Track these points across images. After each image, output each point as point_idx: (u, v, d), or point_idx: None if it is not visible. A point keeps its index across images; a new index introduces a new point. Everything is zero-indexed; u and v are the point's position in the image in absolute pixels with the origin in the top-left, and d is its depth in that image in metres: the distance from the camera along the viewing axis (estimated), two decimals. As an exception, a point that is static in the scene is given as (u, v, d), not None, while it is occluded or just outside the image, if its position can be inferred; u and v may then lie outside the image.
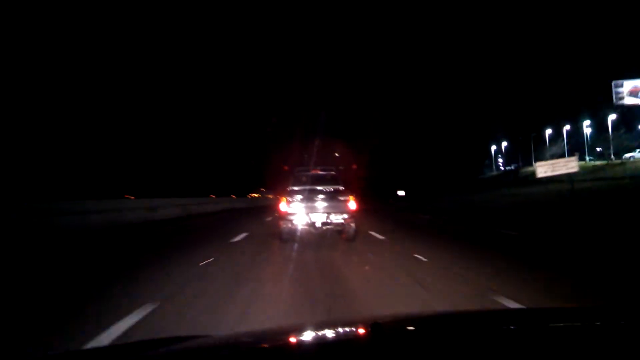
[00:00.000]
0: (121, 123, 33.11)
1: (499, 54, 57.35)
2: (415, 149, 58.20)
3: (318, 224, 6.67)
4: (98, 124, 30.84)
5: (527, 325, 1.11)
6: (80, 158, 27.70)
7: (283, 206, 6.72)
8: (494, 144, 62.61)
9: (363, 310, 3.09)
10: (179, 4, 59.36)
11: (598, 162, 43.00)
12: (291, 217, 6.63)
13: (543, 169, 17.73)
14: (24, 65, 26.36)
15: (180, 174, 36.46)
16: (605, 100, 37.78)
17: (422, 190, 47.19)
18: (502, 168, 63.94)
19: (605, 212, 12.65)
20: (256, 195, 49.66)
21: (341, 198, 6.82)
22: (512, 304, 3.01)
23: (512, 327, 1.10)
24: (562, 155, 34.77)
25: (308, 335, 1.13)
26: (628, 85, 36.58)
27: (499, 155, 63.76)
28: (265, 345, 1.04)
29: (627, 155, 39.58)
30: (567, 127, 47.78)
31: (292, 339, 1.08)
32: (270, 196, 35.89)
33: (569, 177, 17.79)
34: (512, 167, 56.87)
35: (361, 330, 1.11)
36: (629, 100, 36.74)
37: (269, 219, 11.85)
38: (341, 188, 7.29)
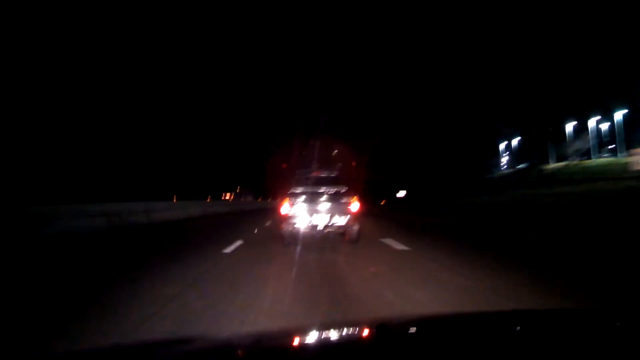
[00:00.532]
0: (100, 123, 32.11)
1: (507, 43, 53.68)
2: (417, 147, 56.64)
3: (320, 227, 6.61)
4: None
5: (531, 327, 1.13)
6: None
7: (285, 208, 6.65)
8: (503, 141, 59.45)
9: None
10: (180, 6, 58.32)
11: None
12: (293, 220, 6.59)
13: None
14: (13, 63, 25.97)
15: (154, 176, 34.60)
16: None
17: (425, 191, 45.34)
18: (503, 166, 60.98)
19: None
20: (229, 196, 44.98)
21: (344, 200, 6.76)
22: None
23: (515, 328, 1.12)
24: (588, 152, 31.90)
25: (313, 336, 1.14)
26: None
27: (505, 154, 60.82)
28: (270, 346, 1.04)
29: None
30: (594, 120, 42.24)
31: (297, 340, 1.09)
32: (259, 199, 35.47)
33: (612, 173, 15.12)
34: (524, 165, 53.30)
35: (367, 332, 1.13)
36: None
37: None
38: (344, 189, 7.16)
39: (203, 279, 4.09)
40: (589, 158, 41.92)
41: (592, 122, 42.45)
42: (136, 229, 10.46)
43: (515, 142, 55.58)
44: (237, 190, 50.01)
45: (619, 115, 39.63)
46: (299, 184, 7.39)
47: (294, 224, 6.61)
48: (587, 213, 12.89)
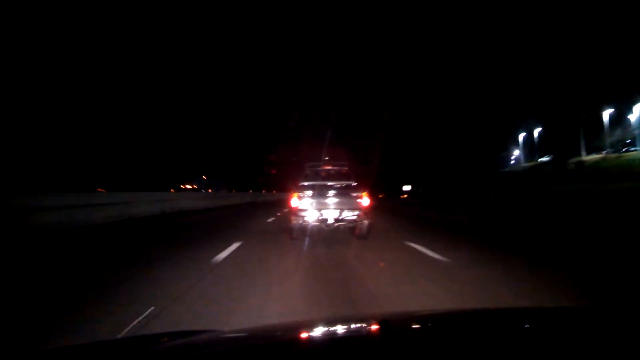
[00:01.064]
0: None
1: (527, 22, 50.10)
2: (424, 138, 54.71)
3: (330, 221, 6.59)
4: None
5: (536, 325, 1.13)
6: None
7: (294, 202, 6.64)
8: (519, 133, 55.96)
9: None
10: (181, 3, 57.41)
11: None
12: (302, 214, 6.56)
13: None
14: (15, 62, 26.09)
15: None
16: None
17: (433, 186, 43.55)
18: (512, 160, 57.95)
19: None
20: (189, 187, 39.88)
21: (354, 194, 6.75)
22: None
23: (521, 326, 1.12)
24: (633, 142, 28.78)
25: (316, 332, 1.14)
26: None
27: (516, 147, 57.68)
28: (273, 341, 1.04)
29: None
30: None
31: (300, 335, 1.10)
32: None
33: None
34: (548, 158, 49.13)
35: (370, 328, 1.14)
36: None
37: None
38: (354, 183, 7.32)
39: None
40: (629, 150, 36.97)
41: (637, 109, 37.40)
42: (103, 227, 9.05)
43: (532, 133, 52.39)
44: (205, 180, 41.45)
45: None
46: (308, 177, 7.35)
47: (304, 217, 6.53)
48: None
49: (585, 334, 0.98)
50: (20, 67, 27.74)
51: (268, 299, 3.18)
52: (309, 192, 6.69)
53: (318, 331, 1.13)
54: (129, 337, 1.48)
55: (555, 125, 45.59)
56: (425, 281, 3.74)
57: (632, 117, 38.22)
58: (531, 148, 53.99)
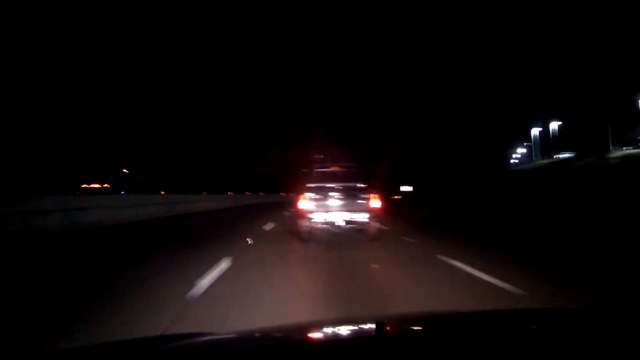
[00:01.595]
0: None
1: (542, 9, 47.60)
2: (424, 136, 52.77)
3: (340, 223, 6.49)
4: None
5: (531, 326, 1.14)
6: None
7: (303, 204, 6.56)
8: (530, 128, 53.71)
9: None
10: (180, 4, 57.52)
11: None
12: (311, 216, 6.46)
13: None
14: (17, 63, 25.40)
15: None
16: None
17: (435, 186, 41.42)
18: (516, 159, 54.87)
19: None
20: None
21: (364, 196, 6.66)
22: None
23: (517, 327, 1.12)
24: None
25: (311, 334, 1.16)
26: None
27: (524, 144, 54.96)
28: (268, 343, 1.05)
29: None
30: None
31: (295, 337, 1.11)
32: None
33: None
34: (570, 154, 44.98)
35: (365, 330, 1.15)
36: None
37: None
38: (363, 185, 7.08)
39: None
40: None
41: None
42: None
43: (547, 128, 49.68)
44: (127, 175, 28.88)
45: None
46: (316, 179, 7.21)
47: (312, 219, 6.46)
48: None
49: (584, 335, 0.99)
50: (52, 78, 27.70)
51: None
52: (318, 194, 6.58)
53: (309, 334, 1.16)
54: (127, 340, 1.27)
55: (576, 119, 42.55)
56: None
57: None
58: (544, 144, 51.49)
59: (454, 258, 4.77)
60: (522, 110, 46.26)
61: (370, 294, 3.37)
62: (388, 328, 0.97)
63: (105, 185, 28.03)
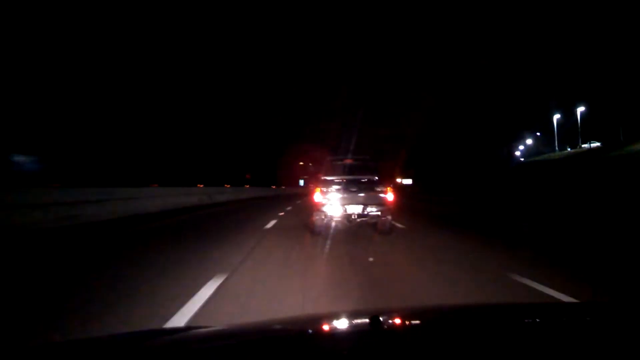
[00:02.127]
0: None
1: None
2: (425, 126, 50.66)
3: (354, 216, 6.53)
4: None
5: (526, 321, 1.14)
6: None
7: (317, 196, 6.60)
8: (556, 114, 48.95)
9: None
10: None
11: None
12: (325, 209, 6.51)
13: None
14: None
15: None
16: None
17: (436, 180, 39.10)
18: (517, 153, 51.67)
19: None
20: None
21: (378, 189, 6.73)
22: None
23: (512, 322, 1.12)
24: None
25: (307, 328, 1.16)
26: None
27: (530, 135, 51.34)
28: (262, 337, 1.06)
29: None
30: None
31: (290, 331, 1.12)
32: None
33: None
34: (591, 145, 41.26)
35: (360, 323, 1.14)
36: None
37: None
38: (377, 178, 7.26)
39: None
40: None
41: None
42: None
43: (582, 112, 44.74)
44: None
45: None
46: (329, 171, 7.36)
47: (327, 212, 6.49)
48: None
49: (576, 329, 0.99)
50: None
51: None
52: (333, 187, 6.65)
53: (306, 327, 1.16)
54: (123, 333, 1.25)
55: (606, 103, 37.99)
56: None
57: None
58: (560, 133, 47.74)
59: (537, 280, 3.46)
60: (535, 95, 42.73)
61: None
62: (383, 322, 0.99)
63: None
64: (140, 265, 4.24)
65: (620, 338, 0.87)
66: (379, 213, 6.47)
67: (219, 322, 2.32)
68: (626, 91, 35.00)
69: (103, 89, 33.85)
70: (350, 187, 6.65)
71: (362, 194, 6.55)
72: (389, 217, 6.60)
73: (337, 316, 1.37)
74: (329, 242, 5.81)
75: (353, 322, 1.18)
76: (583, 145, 42.75)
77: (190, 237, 6.56)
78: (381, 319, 0.97)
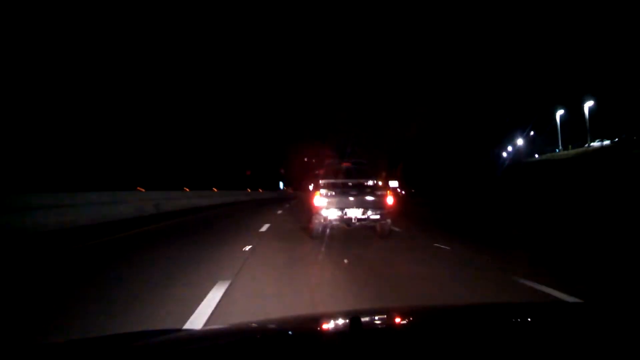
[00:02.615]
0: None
1: None
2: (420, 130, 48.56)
3: (354, 220, 6.52)
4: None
5: (509, 321, 1.14)
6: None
7: (317, 200, 6.54)
8: (560, 110, 45.08)
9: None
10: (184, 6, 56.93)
11: None
12: (325, 212, 6.46)
13: None
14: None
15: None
16: None
17: (428, 185, 36.72)
18: (507, 152, 49.47)
19: None
20: None
21: (378, 192, 6.76)
22: None
23: (495, 323, 1.12)
24: None
25: (285, 329, 1.16)
26: None
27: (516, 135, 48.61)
28: (239, 338, 1.06)
29: None
30: None
31: (269, 333, 1.11)
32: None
33: None
34: (602, 142, 37.03)
35: (340, 325, 1.14)
36: None
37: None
38: (377, 182, 7.30)
39: None
40: None
41: None
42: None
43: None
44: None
45: None
46: (328, 175, 7.34)
47: (326, 216, 6.47)
48: None
49: (564, 329, 1.00)
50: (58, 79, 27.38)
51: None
52: (333, 191, 6.68)
53: (291, 329, 1.16)
54: (111, 335, 1.27)
55: (617, 97, 34.83)
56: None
57: None
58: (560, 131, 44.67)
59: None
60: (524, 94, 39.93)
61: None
62: (363, 323, 0.99)
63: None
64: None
65: (618, 338, 0.87)
66: (379, 216, 6.52)
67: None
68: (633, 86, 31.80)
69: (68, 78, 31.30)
70: (350, 190, 6.76)
71: (361, 198, 6.59)
72: (389, 221, 6.65)
73: (318, 317, 1.41)
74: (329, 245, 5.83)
75: (333, 323, 1.19)
76: (592, 144, 39.14)
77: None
78: (362, 320, 0.99)
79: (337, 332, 1.08)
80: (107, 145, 32.42)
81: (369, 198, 6.56)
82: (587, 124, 39.17)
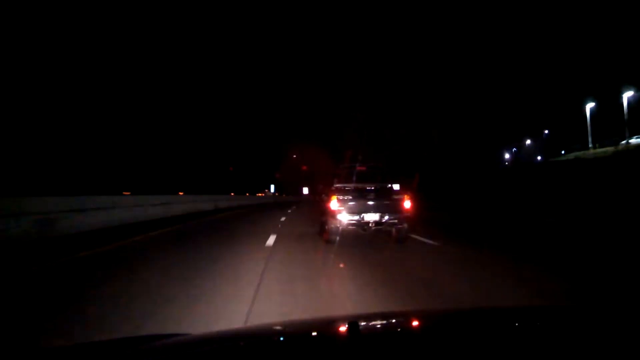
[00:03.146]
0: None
1: None
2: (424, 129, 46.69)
3: (371, 224, 6.51)
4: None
5: (503, 325, 1.14)
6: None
7: (333, 204, 6.51)
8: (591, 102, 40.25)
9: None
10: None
11: None
12: (341, 217, 6.46)
13: None
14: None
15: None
16: None
17: (429, 183, 33.33)
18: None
19: None
20: None
21: (396, 197, 6.76)
22: None
23: (493, 327, 1.12)
24: None
25: (284, 334, 1.16)
26: None
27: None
28: (236, 344, 1.06)
29: None
30: None
31: (267, 338, 1.12)
32: None
33: None
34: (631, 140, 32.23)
35: (338, 330, 1.14)
36: None
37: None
38: (394, 185, 7.36)
39: None
40: None
41: None
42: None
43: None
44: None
45: None
46: (344, 179, 7.39)
47: (342, 220, 6.44)
48: None
49: (562, 333, 0.99)
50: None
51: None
52: (349, 195, 6.65)
53: (288, 334, 1.16)
54: (117, 339, 1.21)
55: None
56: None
57: None
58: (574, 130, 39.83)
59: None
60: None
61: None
62: (361, 328, 0.99)
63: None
64: None
65: (617, 340, 0.88)
66: (396, 221, 6.48)
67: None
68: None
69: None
70: (367, 194, 6.72)
71: (379, 202, 6.56)
72: (405, 225, 6.58)
73: (315, 323, 1.41)
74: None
75: (331, 328, 1.21)
76: (631, 140, 33.52)
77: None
78: (360, 325, 0.99)
79: (334, 337, 1.08)
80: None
81: (386, 202, 6.57)
82: (626, 116, 33.86)
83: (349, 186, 7.03)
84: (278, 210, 20.51)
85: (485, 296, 3.63)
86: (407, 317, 1.38)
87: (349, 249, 6.20)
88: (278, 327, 1.27)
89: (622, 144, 32.19)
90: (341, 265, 5.00)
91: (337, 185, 7.06)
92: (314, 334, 1.13)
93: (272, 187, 60.93)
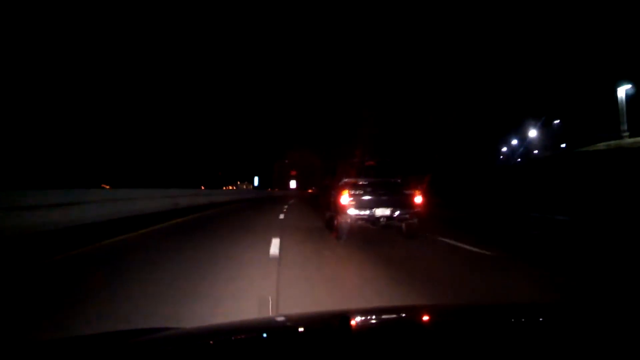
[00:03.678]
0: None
1: None
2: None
3: (382, 219, 6.53)
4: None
5: (494, 322, 1.14)
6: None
7: (344, 199, 6.50)
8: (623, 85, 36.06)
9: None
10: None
11: None
12: (351, 212, 6.44)
13: None
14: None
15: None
16: None
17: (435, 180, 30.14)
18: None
19: None
20: None
21: (407, 192, 6.79)
22: None
23: (484, 323, 1.12)
24: None
25: (274, 328, 1.16)
26: None
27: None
28: (228, 338, 1.06)
29: None
30: None
31: (257, 333, 1.11)
32: None
33: None
34: None
35: (329, 324, 1.14)
36: None
37: None
38: (400, 179, 7.33)
39: None
40: None
41: None
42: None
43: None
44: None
45: None
46: (354, 174, 7.36)
47: (353, 215, 6.44)
48: None
49: (561, 329, 0.97)
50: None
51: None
52: (360, 190, 6.64)
53: (279, 328, 1.16)
54: (109, 332, 1.20)
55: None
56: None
57: None
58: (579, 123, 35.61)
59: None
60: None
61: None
62: (351, 322, 1.01)
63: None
64: None
65: (617, 338, 0.87)
66: (407, 216, 6.50)
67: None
68: None
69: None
70: (377, 189, 6.69)
71: (389, 196, 6.57)
72: (416, 220, 6.59)
73: (305, 317, 1.39)
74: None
75: (322, 323, 1.20)
76: None
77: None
78: (350, 319, 1.01)
79: (324, 332, 1.05)
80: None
81: (398, 197, 6.58)
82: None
83: (360, 180, 6.94)
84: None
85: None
86: (400, 312, 1.38)
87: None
88: (266, 322, 1.30)
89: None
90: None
91: (347, 179, 7.03)
92: (302, 329, 1.12)
93: (256, 179, 57.28)
